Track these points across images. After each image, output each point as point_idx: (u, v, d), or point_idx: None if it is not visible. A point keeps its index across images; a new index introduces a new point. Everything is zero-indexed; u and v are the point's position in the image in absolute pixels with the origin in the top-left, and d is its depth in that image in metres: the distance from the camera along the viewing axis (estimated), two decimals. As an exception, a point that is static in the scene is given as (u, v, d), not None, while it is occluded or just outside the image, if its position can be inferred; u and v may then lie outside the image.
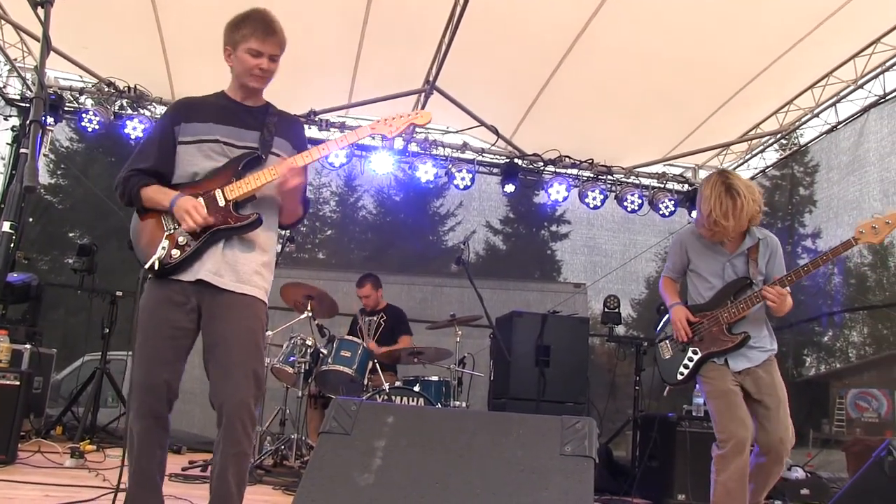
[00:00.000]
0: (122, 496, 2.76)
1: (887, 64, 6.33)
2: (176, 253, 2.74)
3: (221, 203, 2.79)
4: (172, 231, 2.77)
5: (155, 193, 2.81)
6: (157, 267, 2.71)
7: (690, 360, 3.82)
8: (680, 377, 3.87)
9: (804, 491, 5.82)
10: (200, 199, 2.78)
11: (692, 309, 3.91)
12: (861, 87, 6.64)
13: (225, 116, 2.90)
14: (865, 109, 6.69)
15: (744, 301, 3.70)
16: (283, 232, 4.27)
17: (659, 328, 4.17)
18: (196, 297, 2.76)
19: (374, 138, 7.88)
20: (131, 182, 2.82)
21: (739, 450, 3.55)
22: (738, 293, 3.77)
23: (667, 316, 4.06)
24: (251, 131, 2.92)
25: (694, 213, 8.32)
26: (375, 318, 6.73)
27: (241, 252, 2.82)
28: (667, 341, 4.02)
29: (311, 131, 7.58)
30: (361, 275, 6.88)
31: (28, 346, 5.92)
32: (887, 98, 6.48)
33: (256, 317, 2.83)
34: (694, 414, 5.70)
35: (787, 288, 3.62)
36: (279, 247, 4.52)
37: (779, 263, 3.83)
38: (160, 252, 2.72)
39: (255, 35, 2.84)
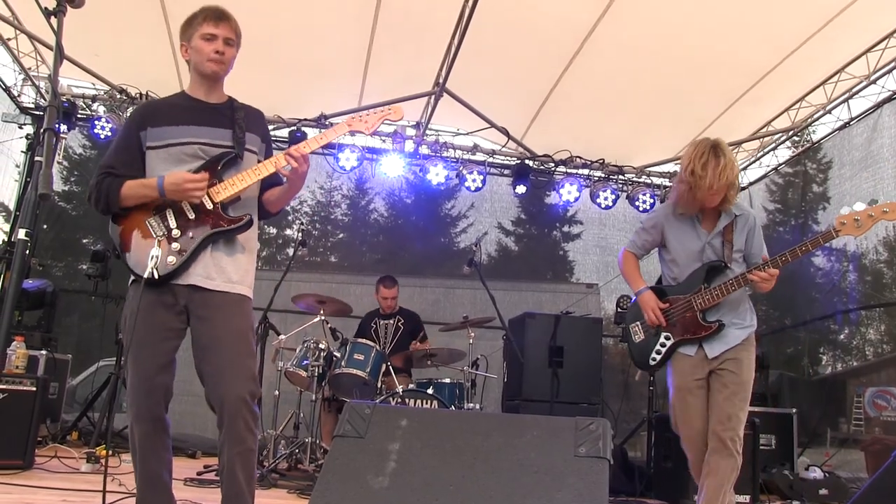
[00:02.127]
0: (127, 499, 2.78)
1: (900, 59, 6.28)
2: (172, 259, 2.71)
3: (209, 206, 2.77)
4: (162, 236, 2.73)
5: (136, 188, 2.75)
6: (157, 276, 2.67)
7: (663, 345, 3.69)
8: (652, 363, 3.74)
9: (823, 491, 5.77)
10: (185, 204, 2.77)
11: (664, 291, 3.77)
12: (874, 82, 6.59)
13: (195, 117, 2.87)
14: (879, 105, 6.64)
15: (719, 287, 3.53)
16: (297, 236, 4.28)
17: (629, 309, 4.03)
18: (184, 298, 2.76)
19: (373, 136, 7.88)
20: (105, 183, 2.75)
21: (687, 444, 3.63)
22: (713, 278, 3.62)
23: (636, 298, 3.91)
24: (222, 129, 2.88)
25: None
26: (392, 322, 6.73)
27: (229, 254, 2.82)
28: (638, 323, 3.85)
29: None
30: (384, 276, 6.87)
31: (43, 351, 5.95)
32: (901, 93, 6.43)
33: (245, 316, 2.85)
34: (709, 414, 5.66)
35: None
36: (290, 251, 4.54)
37: (758, 239, 3.70)
38: (153, 259, 2.66)
39: (206, 21, 2.85)
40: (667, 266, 3.84)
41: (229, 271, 2.79)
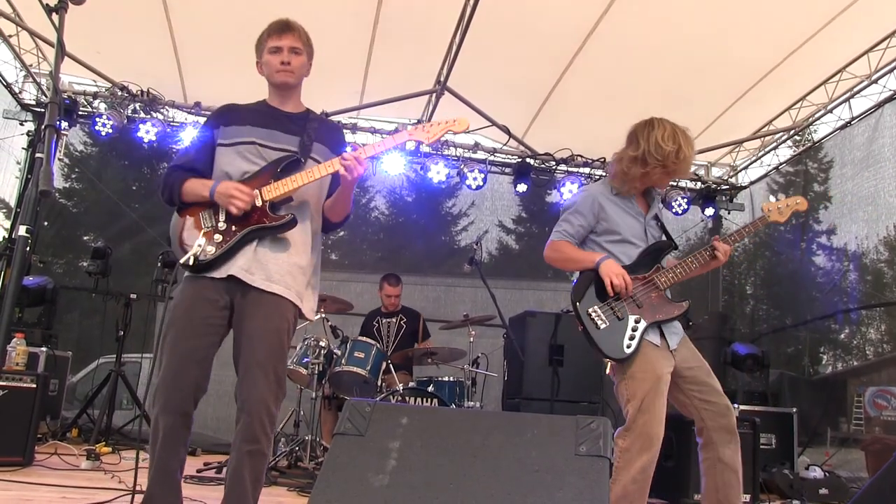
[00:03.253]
0: (138, 498, 2.78)
1: (902, 58, 6.27)
2: (211, 249, 2.79)
3: (258, 203, 2.84)
4: (209, 228, 2.83)
5: (195, 186, 2.88)
6: (192, 263, 2.76)
7: (635, 329, 3.23)
8: (628, 350, 3.20)
9: (823, 490, 5.77)
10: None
11: None
12: (875, 82, 6.57)
13: (263, 120, 2.99)
14: (880, 105, 6.63)
15: (681, 265, 3.36)
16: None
17: (581, 296, 3.36)
18: (228, 294, 2.81)
19: (374, 134, 7.88)
20: (172, 177, 2.91)
21: (647, 445, 3.16)
22: (664, 258, 3.42)
23: (580, 279, 3.42)
24: (289, 135, 2.99)
25: (708, 210, 8.28)
26: (395, 321, 6.73)
27: (273, 252, 2.86)
28: (596, 308, 3.30)
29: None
30: (389, 273, 6.86)
31: (44, 348, 5.95)
32: (903, 93, 6.42)
33: (283, 317, 2.85)
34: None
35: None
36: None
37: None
38: (196, 248, 2.77)
39: (271, 35, 3.01)
40: (602, 248, 3.44)
41: (270, 269, 2.83)
